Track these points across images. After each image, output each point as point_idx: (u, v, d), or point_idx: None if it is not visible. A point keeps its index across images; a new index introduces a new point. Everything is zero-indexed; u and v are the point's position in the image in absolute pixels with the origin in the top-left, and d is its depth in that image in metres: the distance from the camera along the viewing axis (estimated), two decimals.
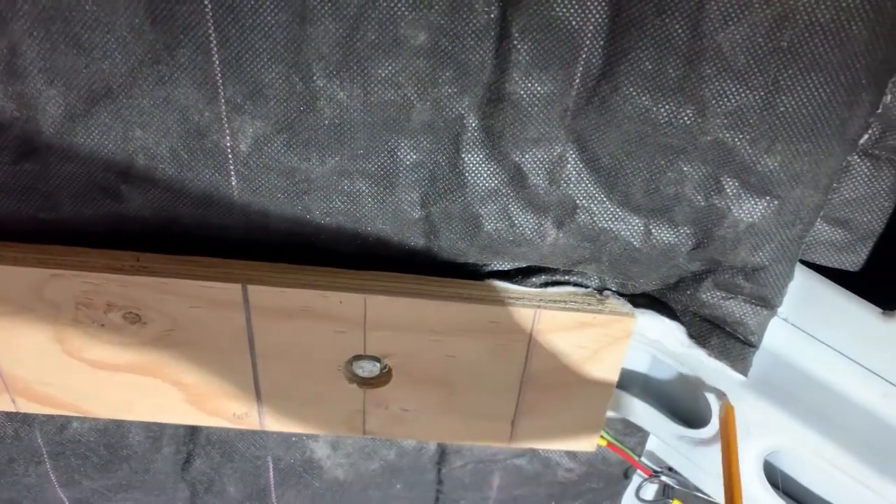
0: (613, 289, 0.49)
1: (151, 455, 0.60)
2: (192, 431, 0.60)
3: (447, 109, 0.39)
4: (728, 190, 0.40)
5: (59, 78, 0.39)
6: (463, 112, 0.40)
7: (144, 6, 0.36)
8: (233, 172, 0.42)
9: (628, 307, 0.48)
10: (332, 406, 0.53)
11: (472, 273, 0.49)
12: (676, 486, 0.60)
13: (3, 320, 0.48)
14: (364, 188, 0.43)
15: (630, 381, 0.58)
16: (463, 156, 0.41)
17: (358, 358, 0.50)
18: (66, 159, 0.42)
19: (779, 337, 0.47)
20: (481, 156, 0.41)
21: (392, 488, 0.63)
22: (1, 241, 0.47)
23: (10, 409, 0.54)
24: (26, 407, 0.54)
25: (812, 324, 0.46)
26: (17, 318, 0.48)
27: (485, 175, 0.42)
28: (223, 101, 0.39)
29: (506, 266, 0.49)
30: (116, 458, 0.60)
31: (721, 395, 0.50)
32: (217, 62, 0.38)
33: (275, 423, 0.55)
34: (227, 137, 0.41)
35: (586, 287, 0.49)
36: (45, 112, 0.40)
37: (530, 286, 0.48)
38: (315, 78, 0.38)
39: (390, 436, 0.56)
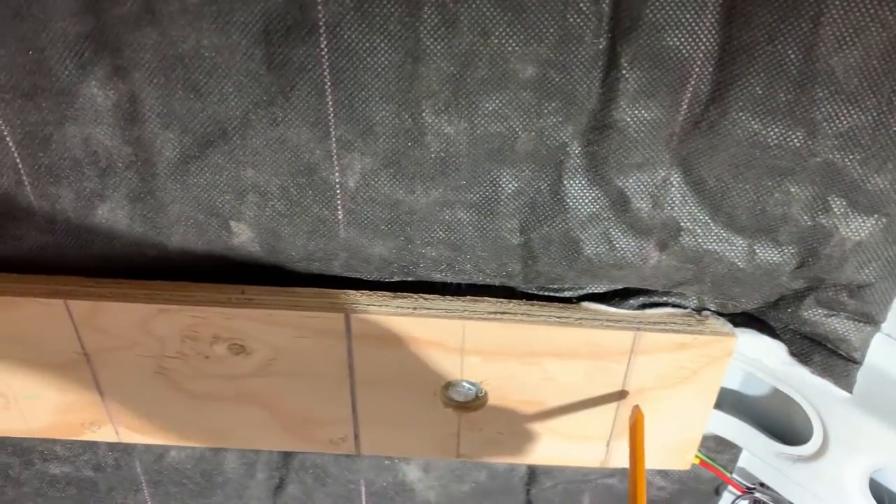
0: (713, 308, 0.49)
1: (245, 481, 0.62)
2: (286, 457, 0.61)
3: (551, 138, 0.40)
4: (836, 209, 0.40)
5: (175, 122, 0.40)
6: (567, 140, 0.40)
7: (262, 51, 0.37)
8: (340, 207, 0.43)
9: (728, 327, 0.48)
10: (427, 430, 0.54)
11: (568, 297, 0.50)
12: (769, 503, 0.60)
13: (111, 355, 0.50)
14: (465, 217, 0.44)
15: (722, 398, 0.57)
16: (565, 182, 0.42)
17: (454, 382, 0.51)
18: (178, 199, 0.43)
19: (882, 353, 0.46)
20: (583, 182, 0.42)
21: None
22: (111, 279, 0.49)
23: (114, 439, 0.56)
24: (128, 437, 0.56)
25: None
26: (124, 352, 0.50)
27: (586, 200, 0.42)
28: (334, 139, 0.40)
29: (602, 288, 0.49)
30: (211, 484, 0.62)
31: (636, 411, 0.50)
32: (330, 103, 0.39)
33: (370, 448, 0.56)
34: (336, 174, 0.42)
35: (685, 308, 0.49)
36: (160, 155, 0.41)
37: (628, 308, 0.48)
38: (424, 114, 0.39)
39: (484, 458, 0.56)
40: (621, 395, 0.50)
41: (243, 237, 0.45)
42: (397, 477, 0.61)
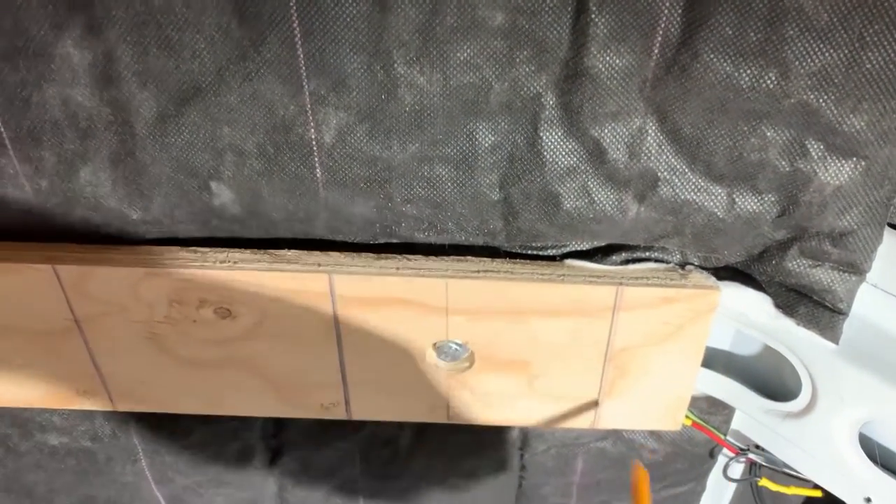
0: (696, 263, 0.48)
1: (241, 450, 0.62)
2: (280, 425, 0.61)
3: (525, 89, 0.40)
4: (813, 153, 0.40)
5: (151, 80, 0.40)
6: (541, 90, 0.40)
7: (232, 4, 0.37)
8: (318, 164, 0.43)
9: (712, 280, 0.48)
10: (416, 393, 0.54)
11: (551, 255, 0.50)
12: (764, 464, 0.60)
13: (103, 320, 0.51)
14: (444, 173, 0.44)
15: (713, 359, 0.57)
16: (541, 135, 0.42)
17: (441, 342, 0.51)
18: (158, 160, 0.43)
19: (868, 303, 0.46)
20: (559, 133, 0.42)
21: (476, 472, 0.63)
22: (98, 245, 0.49)
23: (109, 408, 0.56)
24: (123, 405, 0.56)
25: None
26: (114, 317, 0.50)
27: (563, 153, 0.42)
28: (308, 93, 0.40)
29: (585, 245, 0.49)
30: (208, 454, 0.62)
31: (637, 468, 0.48)
32: (301, 55, 0.39)
33: (361, 412, 0.56)
34: (312, 130, 0.42)
35: (668, 262, 0.49)
36: (138, 114, 0.42)
37: (611, 264, 0.48)
38: (396, 65, 0.39)
39: (474, 421, 0.56)
40: (607, 353, 0.50)
41: (224, 198, 0.45)
42: (390, 443, 0.62)
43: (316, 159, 0.43)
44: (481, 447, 0.62)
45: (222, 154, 0.43)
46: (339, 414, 0.56)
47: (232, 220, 0.47)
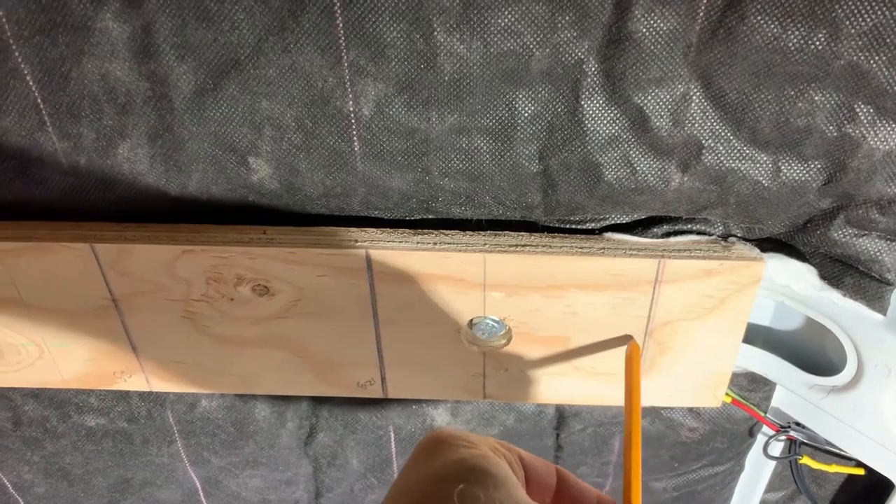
0: (739, 234, 0.48)
1: (276, 430, 0.62)
2: (315, 405, 0.61)
3: (567, 55, 0.39)
4: (862, 117, 0.39)
5: (189, 53, 0.40)
6: (582, 57, 0.39)
7: None
8: (356, 137, 0.43)
9: (756, 252, 0.47)
10: (452, 371, 0.54)
11: (591, 229, 0.49)
12: (805, 441, 0.59)
13: (140, 299, 0.51)
14: (482, 144, 0.43)
15: (753, 334, 0.56)
16: (582, 103, 0.41)
17: (478, 319, 0.50)
18: (196, 136, 0.43)
19: None
20: (601, 101, 0.41)
21: None
22: (135, 223, 0.49)
23: (145, 388, 0.57)
24: (159, 386, 0.57)
25: None
26: (151, 296, 0.50)
27: (605, 121, 0.42)
28: (346, 64, 0.40)
29: (625, 218, 0.48)
30: (243, 434, 0.62)
31: (628, 338, 0.49)
32: (340, 25, 0.38)
33: (397, 391, 0.56)
34: (350, 102, 0.41)
35: (711, 234, 0.48)
36: (176, 88, 0.42)
37: (652, 237, 0.48)
38: (436, 33, 0.38)
39: (511, 399, 0.56)
40: (647, 327, 0.50)
41: (262, 173, 0.45)
42: (426, 422, 0.61)
43: (354, 132, 0.43)
44: (518, 424, 0.61)
45: (260, 128, 0.43)
46: (375, 392, 0.56)
47: (270, 196, 0.47)
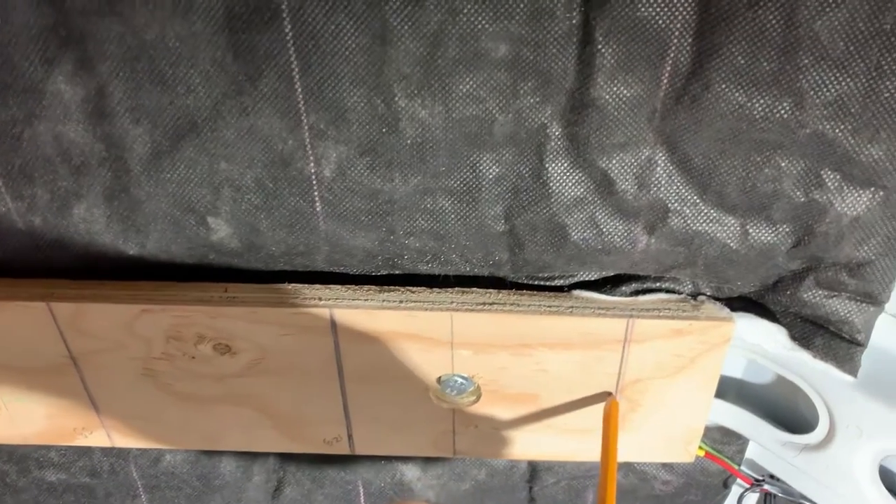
0: (708, 293, 0.47)
1: (243, 484, 0.61)
2: (282, 460, 0.60)
3: (530, 120, 0.39)
4: (829, 184, 0.39)
5: (144, 116, 0.39)
6: (546, 122, 0.39)
7: (226, 38, 0.36)
8: (317, 198, 0.42)
9: (726, 311, 0.46)
10: (421, 427, 0.53)
11: (559, 286, 0.48)
12: (780, 495, 0.58)
13: (97, 357, 0.49)
14: (447, 205, 0.42)
15: (725, 388, 0.56)
16: (547, 166, 0.41)
17: (446, 376, 0.49)
18: (153, 196, 0.42)
19: (888, 333, 0.45)
20: (566, 164, 0.40)
21: None
22: (93, 281, 0.48)
23: (107, 444, 0.55)
24: (122, 442, 0.55)
25: None
26: (110, 354, 0.49)
27: (570, 184, 0.41)
28: (306, 128, 0.39)
29: (593, 276, 0.47)
30: (209, 488, 0.61)
31: (607, 395, 0.49)
32: (299, 90, 0.38)
33: (365, 447, 0.54)
34: (311, 164, 0.41)
35: (680, 293, 0.47)
36: (132, 150, 0.41)
37: (620, 295, 0.47)
38: (397, 98, 0.38)
39: (481, 455, 0.55)
40: (618, 385, 0.49)
41: (222, 233, 0.44)
42: (395, 476, 0.60)
43: (316, 193, 0.42)
44: (490, 479, 0.60)
45: (219, 189, 0.42)
46: (342, 449, 0.54)
47: (230, 255, 0.46)
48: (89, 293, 0.47)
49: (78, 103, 0.39)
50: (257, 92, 0.38)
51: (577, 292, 0.48)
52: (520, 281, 0.49)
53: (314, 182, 0.41)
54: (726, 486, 0.62)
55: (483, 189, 0.42)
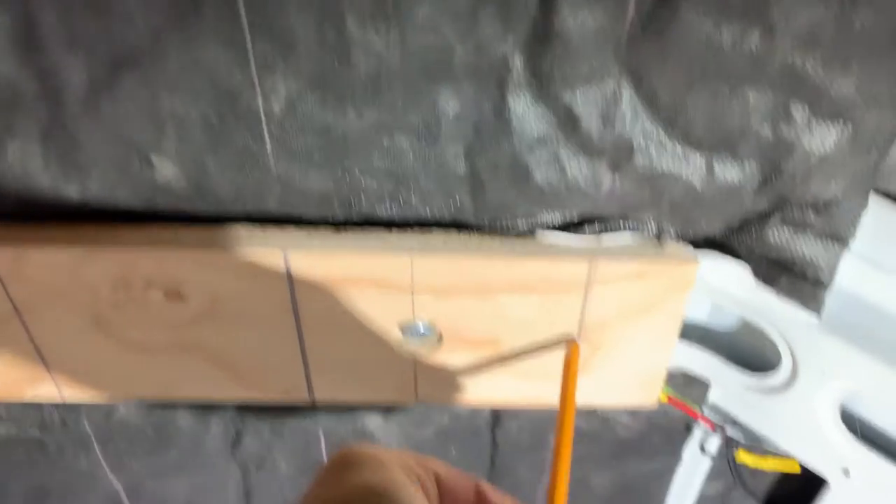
0: (673, 234, 0.46)
1: (200, 436, 0.59)
2: (241, 410, 0.58)
3: (491, 51, 0.37)
4: (798, 118, 0.37)
5: (79, 46, 0.37)
6: (508, 52, 0.37)
7: None
8: (267, 136, 0.40)
9: (690, 252, 0.45)
10: (382, 374, 0.52)
11: (521, 229, 0.47)
12: (741, 439, 0.58)
13: (42, 306, 0.47)
14: (405, 143, 0.41)
15: (689, 334, 0.55)
16: (509, 101, 0.39)
17: (407, 322, 0.48)
18: (93, 133, 0.40)
19: (851, 273, 0.44)
20: (528, 99, 0.39)
21: (447, 454, 0.61)
22: (33, 223, 0.45)
23: (56, 398, 0.53)
24: (72, 396, 0.53)
25: (888, 257, 0.43)
26: (54, 302, 0.47)
27: (533, 120, 0.39)
28: (253, 59, 0.37)
29: (556, 218, 0.46)
30: (165, 440, 0.59)
31: (568, 338, 0.48)
32: (244, 17, 0.35)
33: (325, 395, 0.53)
34: (259, 99, 0.38)
35: (644, 234, 0.46)
36: (67, 84, 0.38)
37: (584, 236, 0.46)
38: (349, 26, 0.36)
39: (444, 401, 0.54)
40: (580, 329, 0.48)
41: (168, 173, 0.42)
42: (357, 425, 0.59)
43: (265, 130, 0.40)
44: (453, 424, 0.59)
45: (163, 126, 0.40)
46: (301, 398, 0.53)
47: (178, 198, 0.43)
48: (29, 237, 0.45)
49: (7, 33, 0.36)
50: (201, 20, 0.35)
51: (539, 234, 0.47)
52: (481, 224, 0.47)
53: (263, 118, 0.39)
54: (688, 430, 0.62)
55: (443, 126, 0.40)
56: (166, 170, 0.41)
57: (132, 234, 0.45)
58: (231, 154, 0.41)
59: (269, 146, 0.40)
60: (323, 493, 0.30)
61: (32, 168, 0.41)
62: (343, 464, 0.31)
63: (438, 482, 0.33)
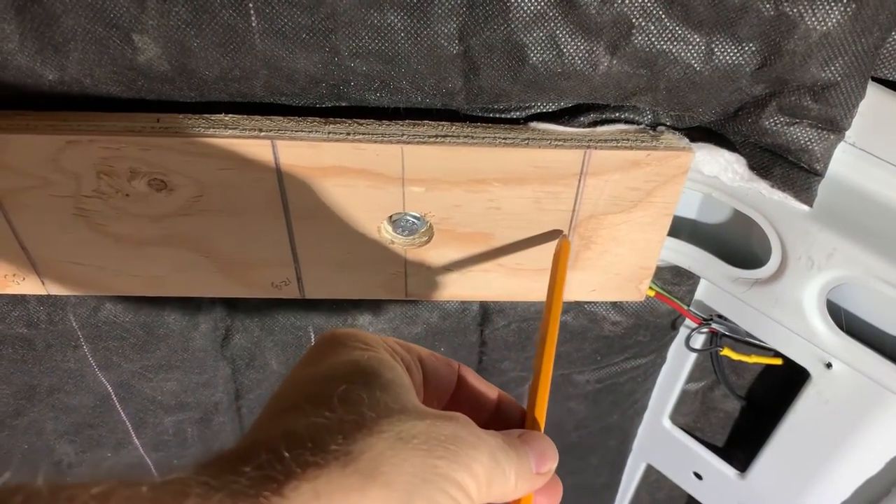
0: (668, 123, 0.45)
1: (189, 333, 0.59)
2: (230, 306, 0.58)
3: None
4: None
5: None
6: None
7: None
8: (252, 12, 0.38)
9: (685, 141, 0.45)
10: (372, 269, 0.51)
11: (514, 118, 0.46)
12: (727, 334, 0.59)
13: (24, 196, 0.46)
14: (395, 21, 0.39)
15: (679, 229, 0.55)
16: None
17: (397, 215, 0.48)
18: (71, 8, 0.38)
19: (845, 163, 0.44)
20: None
21: (435, 351, 0.62)
22: (12, 111, 0.44)
23: (41, 291, 0.53)
24: (56, 289, 0.53)
25: (883, 147, 0.43)
26: (37, 192, 0.46)
27: None
28: None
29: (551, 107, 0.45)
30: (154, 337, 0.59)
31: (558, 233, 0.48)
32: None
33: (315, 291, 0.53)
34: None
35: (639, 123, 0.46)
36: None
37: (578, 126, 0.45)
38: None
39: (434, 297, 0.54)
40: (572, 221, 0.48)
41: (149, 53, 0.40)
42: (347, 321, 0.59)
43: (250, 5, 0.38)
44: (442, 322, 0.60)
45: (144, 1, 0.38)
46: (291, 293, 0.53)
47: (160, 80, 0.42)
48: (8, 124, 0.43)
49: None
50: None
51: (533, 124, 0.46)
52: (473, 114, 0.46)
53: None
54: (674, 327, 0.63)
55: (435, 2, 0.38)
56: (148, 49, 0.40)
57: (114, 121, 0.44)
58: (215, 32, 0.39)
59: (254, 23, 0.39)
60: (309, 370, 0.30)
61: (8, 47, 0.40)
62: (329, 343, 0.31)
63: (422, 365, 0.34)
